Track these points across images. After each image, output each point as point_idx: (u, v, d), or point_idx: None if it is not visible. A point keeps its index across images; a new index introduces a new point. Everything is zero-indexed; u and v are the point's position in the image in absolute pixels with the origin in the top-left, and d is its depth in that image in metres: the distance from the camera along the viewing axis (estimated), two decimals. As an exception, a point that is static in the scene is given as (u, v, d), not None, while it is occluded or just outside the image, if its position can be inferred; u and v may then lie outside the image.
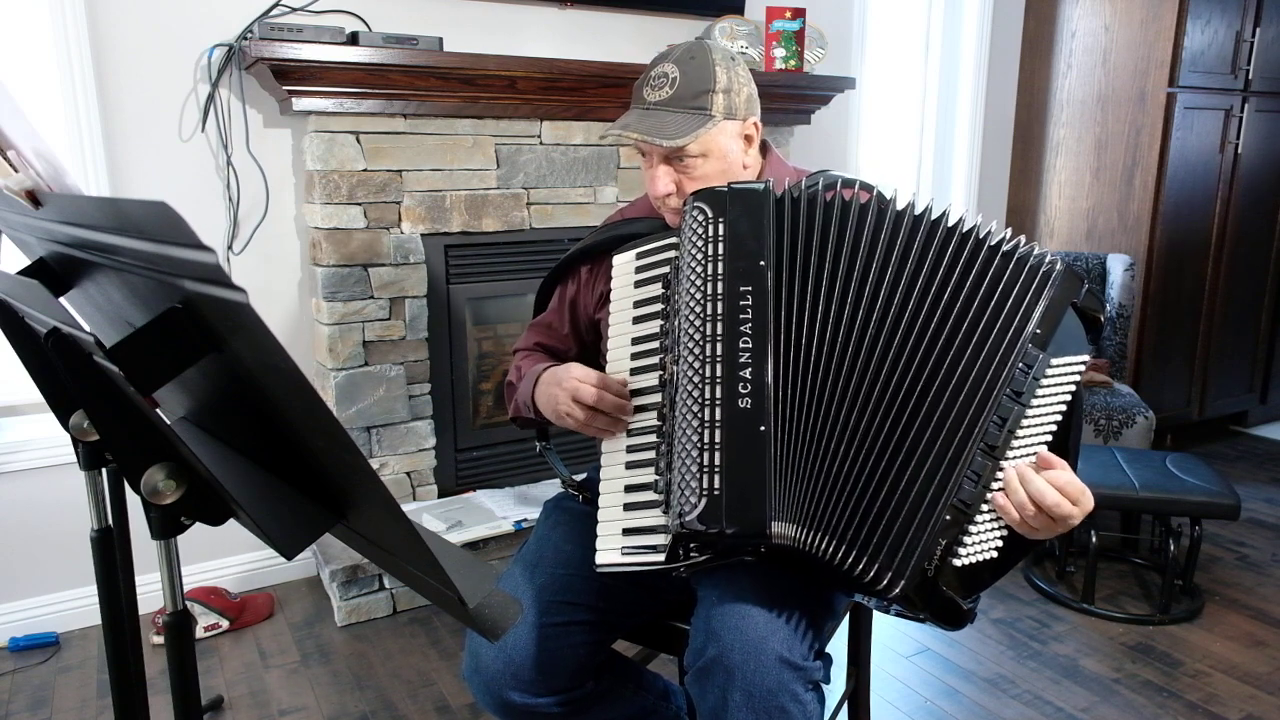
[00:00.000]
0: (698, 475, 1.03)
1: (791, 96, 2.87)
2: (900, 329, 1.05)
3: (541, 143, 2.60)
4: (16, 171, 0.89)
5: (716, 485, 1.02)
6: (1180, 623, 2.31)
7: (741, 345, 1.06)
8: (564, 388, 1.19)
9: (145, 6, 2.17)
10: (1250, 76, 3.42)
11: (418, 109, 2.36)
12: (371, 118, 2.32)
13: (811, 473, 1.05)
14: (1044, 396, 1.02)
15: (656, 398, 1.14)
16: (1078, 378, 1.04)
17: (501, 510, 2.53)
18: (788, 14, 2.81)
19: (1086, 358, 1.04)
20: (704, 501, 1.01)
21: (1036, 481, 0.98)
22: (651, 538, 1.07)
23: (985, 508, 1.01)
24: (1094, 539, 2.35)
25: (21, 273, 0.91)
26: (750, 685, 1.05)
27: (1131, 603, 2.41)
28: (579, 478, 1.43)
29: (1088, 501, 0.99)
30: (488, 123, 2.50)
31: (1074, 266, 1.05)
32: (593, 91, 2.52)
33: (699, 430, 1.04)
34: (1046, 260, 1.05)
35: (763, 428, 1.04)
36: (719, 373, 1.05)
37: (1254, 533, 2.89)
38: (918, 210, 1.08)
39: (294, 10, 2.31)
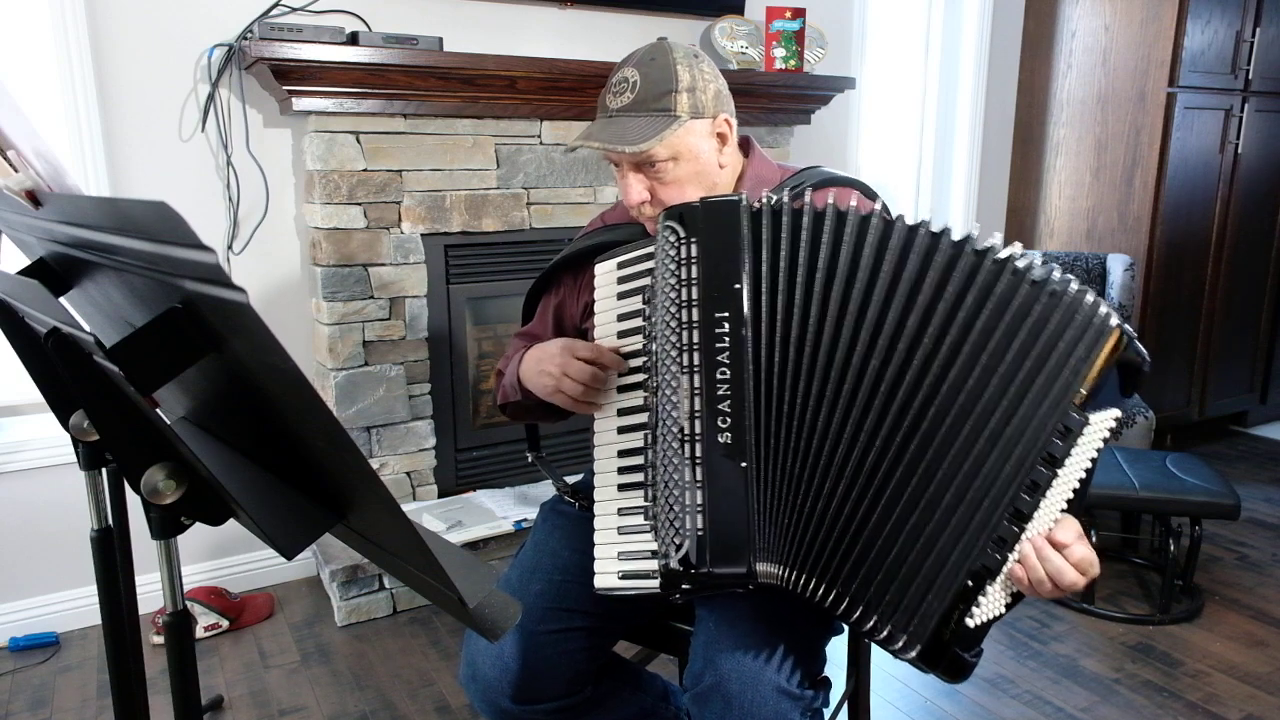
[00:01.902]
0: (679, 515, 1.00)
1: (791, 96, 2.87)
2: (912, 367, 0.96)
3: (541, 143, 2.59)
4: (16, 171, 0.89)
5: (700, 525, 0.99)
6: (1180, 623, 2.31)
7: (719, 376, 1.00)
8: (556, 364, 1.14)
9: (145, 6, 2.17)
10: (1250, 76, 3.42)
11: (418, 109, 2.36)
12: (371, 118, 2.32)
13: (798, 512, 1.01)
14: (1075, 457, 0.93)
15: (644, 418, 1.09)
16: (1108, 434, 0.94)
17: (501, 510, 2.53)
18: (788, 14, 2.81)
19: (1119, 412, 0.94)
20: (686, 543, 0.99)
21: (1055, 560, 0.92)
22: (647, 563, 1.04)
23: (1006, 568, 0.95)
24: (1094, 539, 2.35)
25: (21, 273, 0.91)
26: (747, 716, 1.04)
27: (1131, 603, 2.41)
28: (573, 480, 1.42)
29: (1096, 570, 0.95)
30: (488, 123, 2.50)
31: (1124, 322, 0.92)
32: (593, 91, 2.52)
33: (679, 468, 1.00)
34: (1101, 312, 0.91)
35: (744, 464, 1.00)
36: (697, 406, 1.00)
37: (1254, 533, 2.89)
38: (933, 227, 0.96)
39: (294, 10, 2.31)
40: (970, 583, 0.94)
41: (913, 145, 3.70)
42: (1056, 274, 0.93)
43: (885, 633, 0.98)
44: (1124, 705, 1.95)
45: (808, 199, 1.02)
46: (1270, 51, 3.46)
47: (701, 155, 1.20)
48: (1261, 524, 2.95)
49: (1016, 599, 0.98)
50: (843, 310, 0.99)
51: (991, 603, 0.96)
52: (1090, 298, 0.92)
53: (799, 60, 2.85)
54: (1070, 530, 0.94)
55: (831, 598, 1.00)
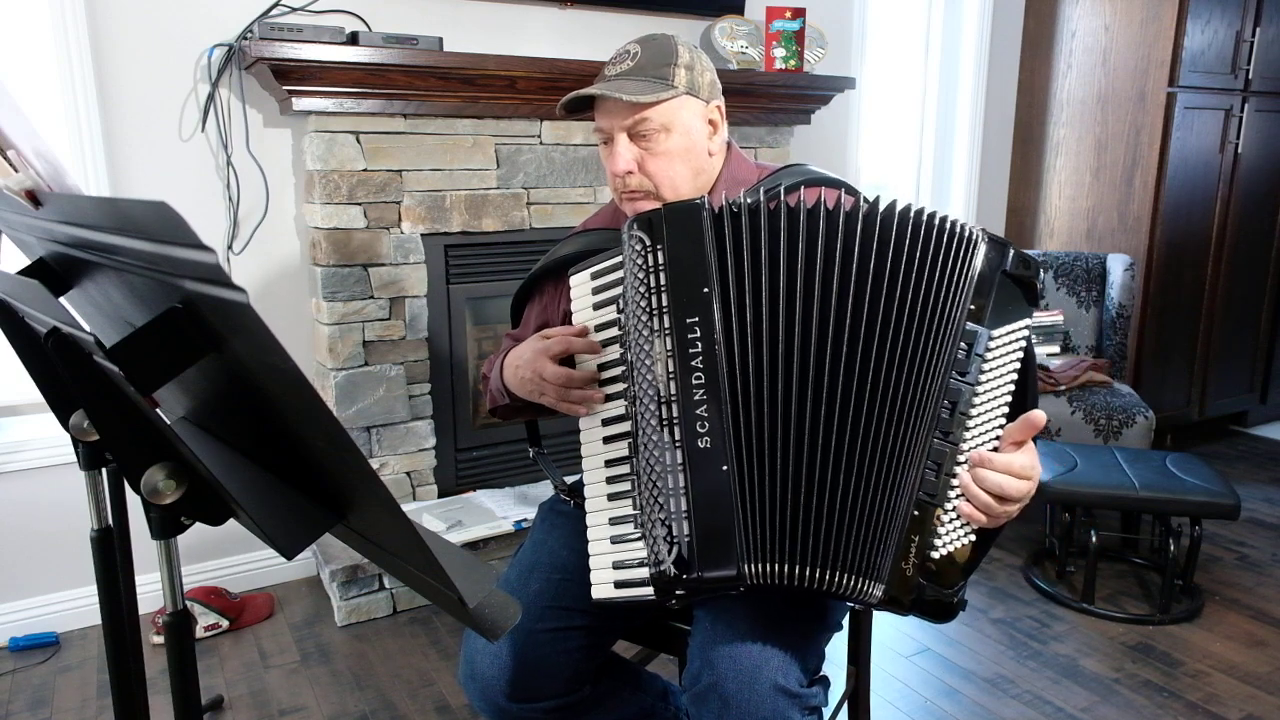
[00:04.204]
0: (666, 523, 1.01)
1: (791, 96, 2.87)
2: (836, 335, 1.01)
3: (541, 143, 2.60)
4: (16, 171, 0.89)
5: (686, 531, 1.00)
6: (1180, 623, 2.31)
7: (694, 382, 1.01)
8: (532, 369, 1.15)
9: (145, 6, 2.17)
10: (1250, 76, 3.42)
11: (418, 109, 2.36)
12: (371, 118, 2.32)
13: (779, 506, 1.02)
14: (992, 370, 0.99)
15: (628, 426, 1.09)
16: (1024, 343, 1.01)
17: (501, 510, 2.53)
18: (788, 14, 2.81)
19: (1028, 321, 1.01)
20: (675, 550, 1.00)
21: (990, 477, 0.96)
22: (640, 571, 1.05)
23: (953, 494, 0.99)
24: (1094, 539, 2.35)
25: (21, 273, 0.91)
26: (745, 714, 1.04)
27: (1131, 603, 2.41)
28: (571, 480, 1.42)
29: (1039, 469, 1.00)
30: (488, 123, 2.50)
31: (996, 234, 1.01)
32: (593, 91, 2.52)
33: (663, 475, 1.01)
34: (968, 233, 1.00)
35: (725, 467, 1.01)
36: (675, 413, 1.01)
37: (1254, 533, 2.89)
38: (865, 207, 1.02)
39: (294, 10, 2.31)
40: (917, 512, 0.99)
41: (913, 145, 3.70)
42: (939, 216, 1.01)
43: (853, 586, 1.02)
44: (1124, 705, 1.95)
45: (762, 197, 1.03)
46: (1270, 51, 3.46)
47: (693, 133, 1.21)
48: (1261, 524, 2.95)
49: (992, 530, 1.02)
50: (808, 301, 1.02)
51: (952, 529, 0.99)
52: (959, 223, 1.01)
53: (799, 60, 2.85)
54: (1007, 446, 0.99)
55: (819, 578, 1.03)
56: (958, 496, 0.99)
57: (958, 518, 0.99)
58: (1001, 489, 0.96)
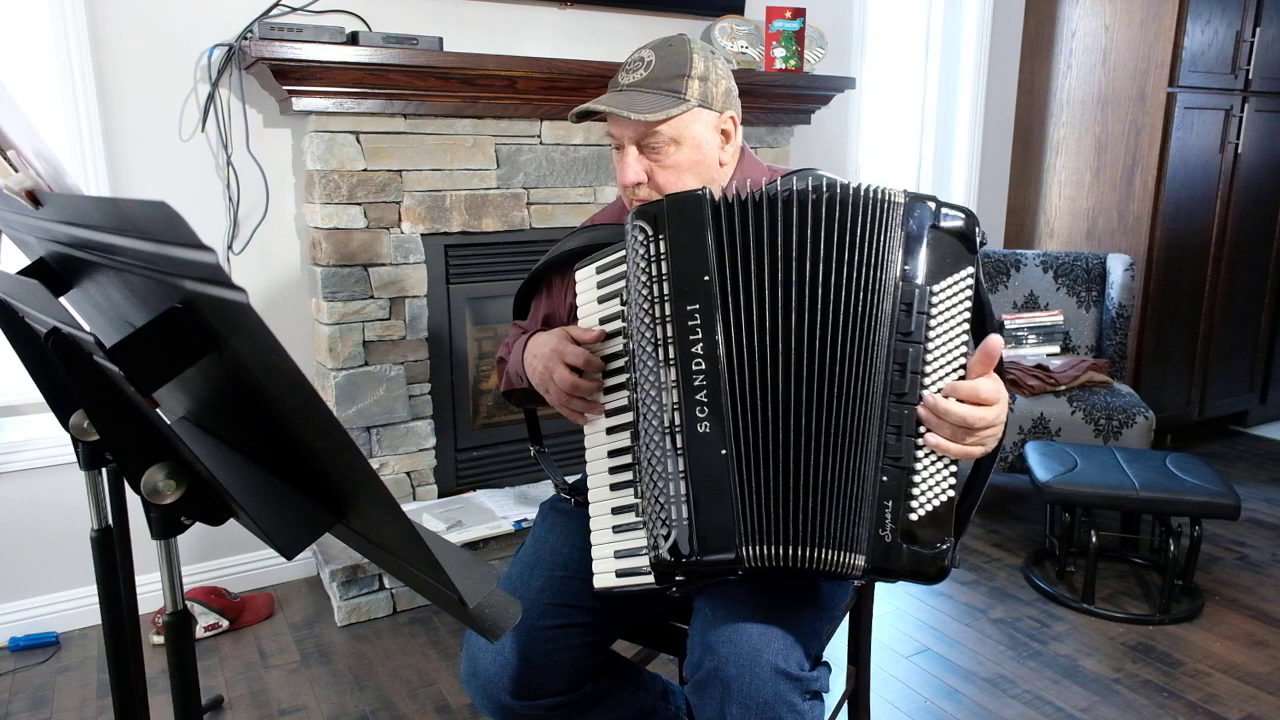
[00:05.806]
0: (665, 506, 1.02)
1: (791, 96, 2.87)
2: (810, 316, 1.03)
3: (541, 143, 2.60)
4: (16, 171, 0.89)
5: (685, 515, 1.01)
6: (1180, 623, 2.31)
7: (694, 368, 1.03)
8: (543, 364, 1.16)
9: (145, 6, 2.17)
10: (1250, 76, 3.42)
11: (418, 109, 2.36)
12: (371, 118, 2.32)
13: (770, 487, 1.04)
14: (940, 325, 1.00)
15: (630, 417, 1.10)
16: (969, 292, 1.01)
17: (501, 510, 2.53)
18: (788, 14, 2.81)
19: (972, 269, 1.01)
20: (674, 534, 1.01)
21: (955, 409, 0.97)
22: (642, 559, 1.06)
23: (921, 455, 1.00)
24: (1094, 539, 2.35)
25: (21, 273, 0.91)
26: (747, 698, 1.05)
27: (1131, 603, 2.41)
28: (572, 479, 1.42)
29: (1004, 392, 1.01)
30: (488, 123, 2.50)
31: (920, 193, 1.02)
32: (593, 91, 2.52)
33: (663, 460, 1.03)
34: (887, 197, 1.02)
35: (724, 451, 1.02)
36: (676, 399, 1.03)
37: (1254, 533, 2.89)
38: (825, 194, 1.04)
39: (294, 10, 2.31)
40: (885, 478, 1.00)
41: (913, 145, 3.70)
42: (864, 186, 1.02)
43: (836, 562, 1.03)
44: (1124, 705, 1.95)
45: (748, 187, 1.05)
46: (1270, 51, 3.46)
47: (704, 145, 1.21)
48: (1261, 524, 2.95)
49: (974, 479, 1.04)
50: (787, 287, 1.04)
51: (929, 487, 1.00)
52: (880, 189, 1.02)
53: (799, 60, 2.85)
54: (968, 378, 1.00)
55: (803, 556, 1.04)
56: (925, 456, 1.00)
57: (934, 472, 1.00)
58: (967, 420, 0.97)
